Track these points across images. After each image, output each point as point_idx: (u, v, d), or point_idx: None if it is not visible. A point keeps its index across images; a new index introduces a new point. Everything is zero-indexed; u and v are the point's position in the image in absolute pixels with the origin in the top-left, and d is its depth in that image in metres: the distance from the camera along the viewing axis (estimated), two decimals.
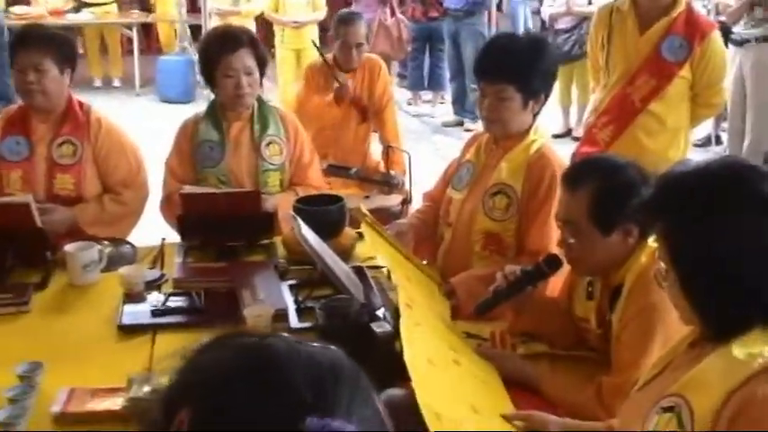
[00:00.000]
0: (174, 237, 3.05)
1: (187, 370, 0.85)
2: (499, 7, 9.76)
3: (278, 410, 0.79)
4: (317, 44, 6.69)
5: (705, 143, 7.27)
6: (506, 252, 2.63)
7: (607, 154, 2.14)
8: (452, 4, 7.87)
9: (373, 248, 2.48)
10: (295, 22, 7.52)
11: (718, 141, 7.28)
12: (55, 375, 2.09)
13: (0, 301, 2.48)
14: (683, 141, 3.80)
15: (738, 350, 1.44)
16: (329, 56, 4.50)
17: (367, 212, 2.57)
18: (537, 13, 9.44)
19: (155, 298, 2.53)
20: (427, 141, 7.74)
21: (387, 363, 1.90)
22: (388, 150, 4.32)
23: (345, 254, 2.80)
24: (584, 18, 7.40)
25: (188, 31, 9.16)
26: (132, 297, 2.53)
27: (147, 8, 10.23)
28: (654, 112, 3.67)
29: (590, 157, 2.19)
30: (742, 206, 1.47)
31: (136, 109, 8.55)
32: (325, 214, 2.81)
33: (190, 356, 0.86)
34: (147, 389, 1.97)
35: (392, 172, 4.30)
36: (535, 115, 2.66)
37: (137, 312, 2.44)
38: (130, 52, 9.58)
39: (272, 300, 2.46)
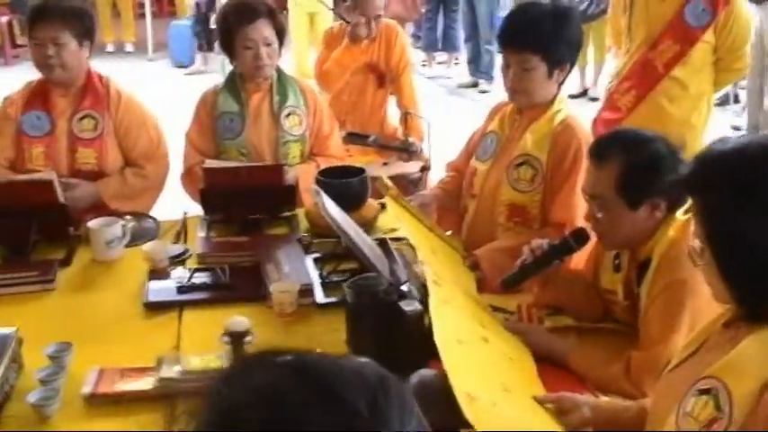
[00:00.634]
0: (195, 210, 3.05)
1: (228, 397, 0.82)
2: None
3: (337, 427, 0.78)
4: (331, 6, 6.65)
5: (723, 102, 7.18)
6: (531, 224, 2.61)
7: (635, 127, 2.10)
8: None
9: (397, 221, 2.46)
10: None
11: (737, 100, 7.20)
12: (83, 355, 2.09)
13: (26, 279, 2.48)
14: (705, 107, 3.75)
15: None
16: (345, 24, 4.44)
17: (391, 184, 2.55)
18: None
19: (179, 274, 2.53)
20: (442, 104, 7.67)
21: (416, 341, 1.91)
22: (406, 117, 4.28)
23: (368, 226, 2.79)
24: None
25: None
26: (157, 273, 2.53)
27: None
28: (677, 77, 3.62)
29: (618, 130, 2.15)
30: None
31: (148, 74, 8.52)
32: (347, 186, 2.79)
33: (223, 384, 0.83)
34: (177, 368, 1.99)
35: (410, 138, 4.27)
36: (560, 85, 2.62)
37: (162, 289, 2.44)
38: (142, 16, 9.52)
39: (297, 274, 2.45)
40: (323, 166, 3.20)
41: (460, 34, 8.48)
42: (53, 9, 2.99)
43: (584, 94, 7.95)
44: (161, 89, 7.20)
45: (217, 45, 8.56)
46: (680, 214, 2.07)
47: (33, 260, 2.63)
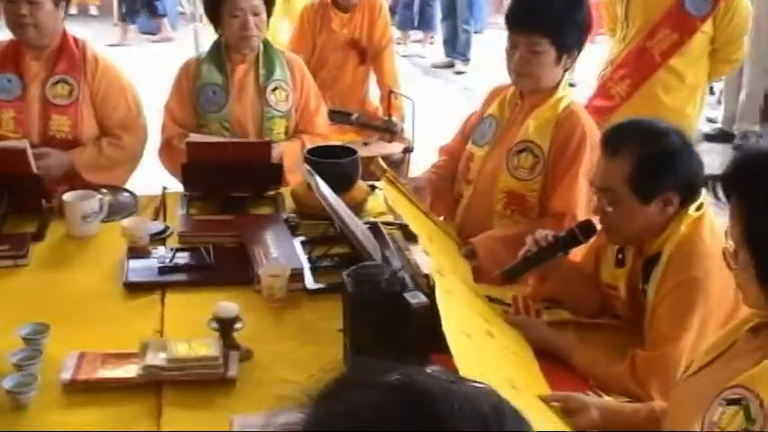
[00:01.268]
0: (171, 184, 2.92)
1: (324, 420, 0.72)
2: None
3: None
4: None
5: None
6: (529, 213, 2.52)
7: (649, 118, 2.02)
8: None
9: (394, 205, 2.36)
10: None
11: (711, 92, 7.18)
12: (61, 338, 1.96)
13: None
14: (699, 98, 3.70)
15: None
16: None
17: (386, 167, 2.44)
18: None
19: (160, 253, 2.40)
20: (417, 83, 7.55)
21: (421, 334, 1.81)
22: (389, 96, 4.16)
23: (357, 208, 2.68)
24: None
25: None
26: (136, 251, 2.40)
27: None
28: (674, 67, 3.56)
29: (631, 120, 2.06)
30: None
31: (114, 41, 8.26)
32: (338, 167, 2.68)
33: (320, 404, 0.73)
34: (162, 355, 1.87)
35: (393, 118, 4.15)
36: (565, 71, 2.52)
37: (143, 269, 2.31)
38: None
39: (286, 258, 2.34)
40: (308, 145, 3.09)
41: (437, 13, 8.36)
42: None
43: None
44: (128, 56, 6.97)
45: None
46: (692, 210, 1.99)
47: (4, 233, 2.48)
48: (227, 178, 2.69)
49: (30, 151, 2.59)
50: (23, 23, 2.80)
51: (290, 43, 4.20)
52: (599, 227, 2.12)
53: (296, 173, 2.93)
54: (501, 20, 9.63)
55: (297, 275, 2.26)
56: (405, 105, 4.34)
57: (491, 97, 2.74)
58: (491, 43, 9.12)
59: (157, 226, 2.55)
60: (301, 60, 3.22)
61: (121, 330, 2.05)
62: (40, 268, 2.35)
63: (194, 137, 2.80)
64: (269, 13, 3.01)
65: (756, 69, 5.98)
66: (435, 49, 8.49)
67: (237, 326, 1.97)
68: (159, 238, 2.51)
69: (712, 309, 1.91)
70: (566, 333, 2.12)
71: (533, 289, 2.30)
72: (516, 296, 2.31)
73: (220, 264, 2.35)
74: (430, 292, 1.81)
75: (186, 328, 2.04)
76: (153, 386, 1.84)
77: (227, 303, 1.99)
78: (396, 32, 8.71)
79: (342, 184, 2.63)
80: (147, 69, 5.57)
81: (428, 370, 0.77)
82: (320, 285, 2.28)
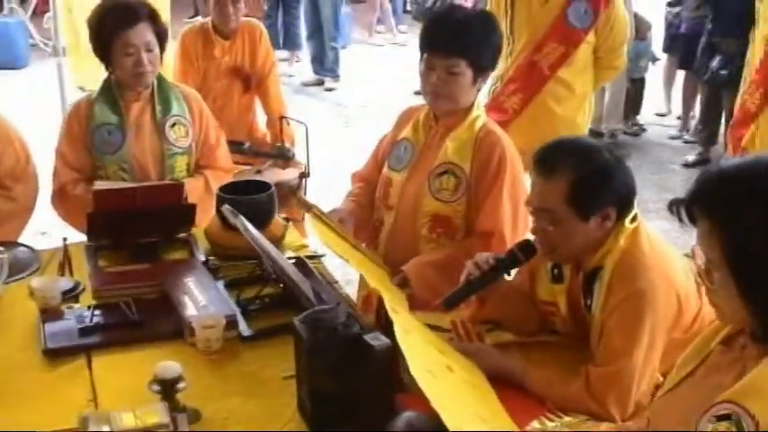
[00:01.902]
0: (65, 234, 2.74)
1: None
2: None
3: None
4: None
5: None
6: (455, 234, 2.51)
7: (579, 137, 2.04)
8: None
9: (323, 242, 2.29)
10: None
11: None
12: None
13: None
14: (587, 106, 3.81)
15: None
16: (207, 20, 4.19)
17: (310, 202, 2.37)
18: None
19: (77, 313, 2.22)
20: (290, 103, 7.45)
21: (383, 376, 1.75)
22: (280, 121, 4.07)
23: (277, 243, 2.58)
24: None
25: None
26: (49, 314, 2.22)
27: None
28: (562, 78, 3.65)
29: (561, 140, 2.08)
30: None
31: None
32: (254, 203, 2.57)
33: None
34: (106, 429, 1.72)
35: (287, 144, 4.07)
36: (478, 91, 2.52)
37: (61, 332, 2.13)
38: None
39: (217, 305, 2.22)
40: (212, 180, 2.98)
41: (301, 31, 8.31)
42: None
43: None
44: None
45: None
46: (627, 222, 2.02)
47: None
48: (136, 225, 2.55)
49: None
50: None
51: (175, 73, 4.03)
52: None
53: (204, 212, 2.80)
54: (363, 35, 9.79)
55: (231, 323, 2.14)
56: (294, 130, 4.27)
57: (402, 120, 2.71)
58: (356, 58, 9.18)
59: (67, 283, 2.37)
60: (197, 93, 3.09)
61: (50, 405, 1.88)
62: None
63: (100, 184, 2.63)
64: (162, 48, 2.87)
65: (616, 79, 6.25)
66: (303, 68, 8.44)
67: (181, 386, 1.84)
68: (71, 296, 2.33)
69: (659, 318, 1.95)
70: (511, 354, 2.11)
71: (473, 313, 2.27)
72: (455, 321, 2.28)
73: (145, 318, 2.20)
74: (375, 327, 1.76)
75: (123, 395, 1.90)
76: None
77: (167, 363, 1.85)
78: None
79: (260, 219, 2.53)
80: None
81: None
82: (252, 332, 2.17)
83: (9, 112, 2.98)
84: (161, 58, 2.87)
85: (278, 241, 2.62)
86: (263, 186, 2.66)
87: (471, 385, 1.89)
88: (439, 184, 2.48)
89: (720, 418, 1.39)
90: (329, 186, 4.19)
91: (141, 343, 2.12)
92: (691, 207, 1.45)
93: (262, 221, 2.55)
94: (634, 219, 2.03)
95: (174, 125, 2.91)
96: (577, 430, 1.85)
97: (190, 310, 2.18)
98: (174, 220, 2.61)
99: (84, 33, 6.90)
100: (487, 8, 3.80)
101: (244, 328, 2.19)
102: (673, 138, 6.65)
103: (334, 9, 7.77)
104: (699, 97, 6.40)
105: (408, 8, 9.16)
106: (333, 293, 2.34)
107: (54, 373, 2.01)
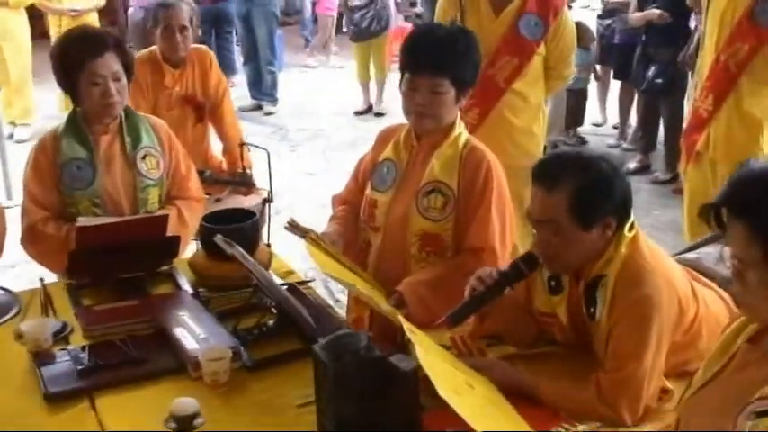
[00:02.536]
0: (37, 274, 2.65)
1: None
2: None
3: None
4: None
5: None
6: (445, 252, 2.51)
7: (577, 149, 2.07)
8: None
9: (323, 268, 2.27)
10: (73, 11, 6.87)
11: None
12: None
13: None
14: (541, 116, 3.88)
15: None
16: (154, 48, 4.11)
17: (305, 227, 2.35)
18: None
19: (69, 355, 2.16)
20: None
21: (410, 398, 1.74)
22: (241, 147, 4.03)
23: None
24: None
25: None
26: (42, 357, 2.14)
27: None
28: (517, 90, 3.70)
29: (559, 153, 2.12)
30: None
31: None
32: (239, 232, 2.54)
33: None
34: None
35: (248, 170, 4.03)
36: (460, 109, 2.55)
37: (59, 375, 2.06)
38: None
39: (216, 337, 2.18)
40: (185, 211, 2.93)
41: (235, 57, 8.26)
42: None
43: (369, 110, 8.02)
44: None
45: None
46: (626, 231, 2.06)
47: None
48: (119, 260, 2.48)
49: None
50: None
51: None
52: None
53: (181, 243, 2.75)
54: (295, 58, 9.69)
55: (235, 354, 2.11)
56: (250, 156, 4.23)
57: (382, 141, 2.70)
58: (292, 82, 9.16)
59: (56, 324, 2.30)
60: (164, 123, 3.03)
61: None
62: None
63: (83, 221, 2.55)
64: (129, 79, 2.81)
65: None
66: (239, 93, 8.36)
67: (198, 421, 1.81)
68: (60, 337, 2.26)
69: (664, 321, 1.99)
70: (518, 368, 2.12)
71: (473, 328, 2.28)
72: (453, 337, 2.29)
73: (144, 355, 2.15)
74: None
75: None
76: None
77: (183, 399, 1.82)
78: None
79: (245, 247, 2.50)
80: None
81: None
82: (257, 361, 2.14)
83: None
84: (128, 88, 2.81)
85: (265, 268, 2.59)
86: (249, 215, 2.63)
87: (491, 401, 1.90)
88: (427, 203, 2.49)
89: (761, 414, 1.43)
90: (292, 212, 4.16)
91: (144, 380, 2.07)
92: (720, 211, 1.49)
93: (247, 249, 2.51)
94: (632, 227, 2.08)
95: (144, 157, 2.85)
96: None
97: (191, 344, 2.14)
98: (157, 252, 2.55)
99: (17, 67, 6.81)
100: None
101: (246, 358, 2.16)
102: (611, 147, 6.81)
103: (269, 32, 7.74)
104: (635, 106, 6.59)
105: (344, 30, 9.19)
106: (331, 318, 2.33)
107: (59, 419, 1.95)
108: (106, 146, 2.82)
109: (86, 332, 2.27)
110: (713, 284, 2.27)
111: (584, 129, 7.19)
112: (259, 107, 7.98)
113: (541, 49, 3.71)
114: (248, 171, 4.04)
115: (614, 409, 1.95)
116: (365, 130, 7.47)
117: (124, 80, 2.78)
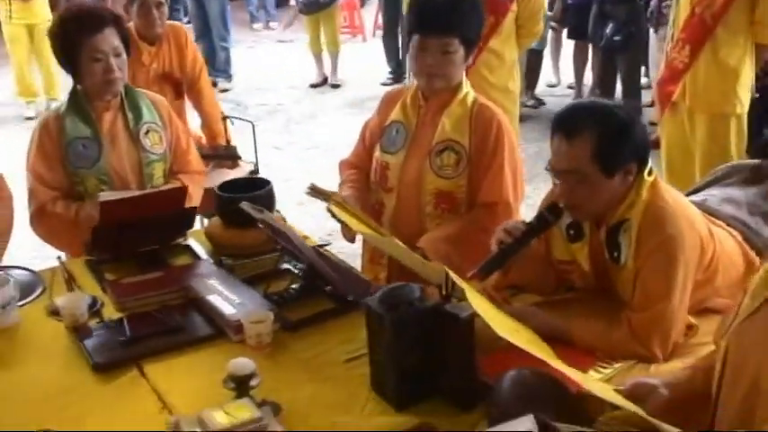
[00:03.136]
0: (48, 254, 2.64)
1: None
2: None
3: None
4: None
5: None
6: (459, 208, 2.58)
7: (594, 99, 2.14)
8: None
9: (355, 228, 2.32)
10: None
11: None
12: None
13: None
14: (516, 73, 3.97)
15: None
16: (130, 25, 4.06)
17: (328, 190, 2.39)
18: None
19: (105, 327, 2.17)
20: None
21: (467, 344, 1.81)
22: (225, 121, 4.03)
23: None
24: None
25: None
26: (81, 331, 2.16)
27: None
28: (493, 48, 3.80)
29: (577, 103, 2.18)
30: None
31: None
32: (256, 200, 2.56)
33: None
34: (199, 430, 1.71)
35: (232, 143, 4.05)
36: (467, 66, 2.61)
37: (102, 347, 2.08)
38: None
39: (253, 302, 2.22)
40: (189, 184, 2.93)
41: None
42: None
43: (324, 82, 8.01)
44: None
45: None
46: (646, 175, 2.15)
47: None
48: (139, 233, 2.49)
49: None
50: None
51: None
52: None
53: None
54: (245, 33, 9.56)
55: (275, 315, 2.15)
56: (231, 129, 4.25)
57: (387, 103, 2.75)
58: (242, 58, 9.09)
59: (87, 299, 2.31)
60: (164, 99, 3.03)
61: (123, 419, 1.84)
62: None
63: (105, 195, 2.55)
64: (128, 54, 2.80)
65: None
66: None
67: (254, 382, 1.85)
68: (93, 311, 2.27)
69: (689, 260, 2.08)
70: (560, 315, 2.19)
71: (497, 279, 2.35)
72: (479, 289, 2.36)
73: (179, 323, 2.18)
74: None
75: (192, 398, 1.89)
76: None
77: (240, 360, 1.86)
78: None
79: None
80: None
81: None
82: (295, 321, 2.19)
83: None
84: (127, 63, 2.80)
85: None
86: (264, 183, 2.66)
87: (537, 345, 1.98)
88: (440, 162, 2.55)
89: None
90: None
91: (189, 345, 2.10)
92: None
93: None
94: (650, 172, 2.17)
95: (147, 132, 2.85)
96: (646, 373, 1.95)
97: (228, 309, 2.17)
98: (176, 225, 2.57)
99: None
100: None
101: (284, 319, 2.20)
102: None
103: (222, 8, 7.67)
104: (589, 65, 6.72)
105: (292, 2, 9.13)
106: (358, 277, 2.39)
107: (111, 389, 1.97)
108: (109, 123, 2.81)
109: (118, 305, 2.28)
110: (722, 223, 2.38)
111: (539, 90, 7.30)
112: (214, 84, 7.88)
113: (514, 6, 3.81)
114: (232, 144, 4.05)
115: (647, 346, 2.04)
116: (323, 103, 7.49)
117: (124, 56, 2.77)
